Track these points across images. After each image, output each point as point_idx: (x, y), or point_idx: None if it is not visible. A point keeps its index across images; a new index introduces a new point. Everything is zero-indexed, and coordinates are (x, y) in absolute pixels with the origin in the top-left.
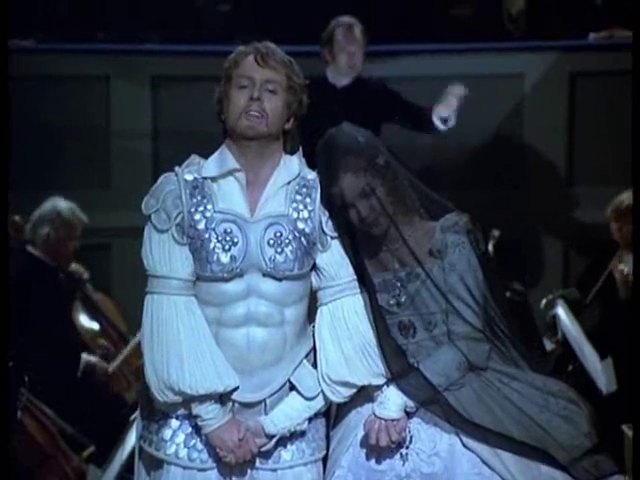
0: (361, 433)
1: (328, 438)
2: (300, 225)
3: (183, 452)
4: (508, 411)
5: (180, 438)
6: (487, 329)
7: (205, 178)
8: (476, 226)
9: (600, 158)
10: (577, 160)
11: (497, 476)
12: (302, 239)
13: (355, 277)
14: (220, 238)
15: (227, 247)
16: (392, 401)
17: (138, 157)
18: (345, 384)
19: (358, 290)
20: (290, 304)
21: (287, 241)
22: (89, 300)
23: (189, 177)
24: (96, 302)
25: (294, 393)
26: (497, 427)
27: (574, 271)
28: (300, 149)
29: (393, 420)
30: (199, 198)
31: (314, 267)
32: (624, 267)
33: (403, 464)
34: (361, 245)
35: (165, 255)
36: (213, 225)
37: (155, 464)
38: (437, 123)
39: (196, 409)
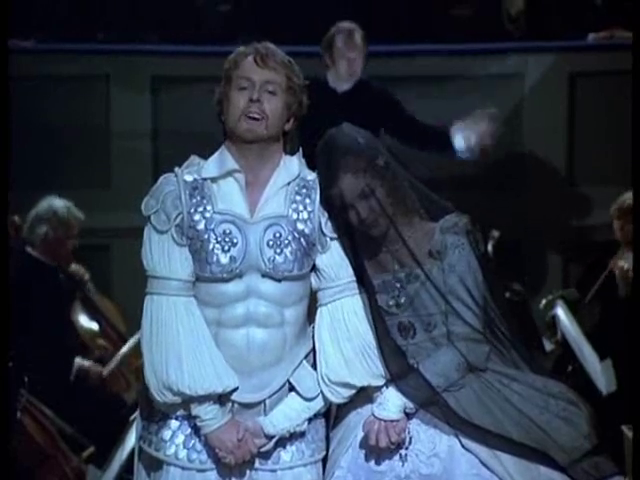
0: (361, 434)
1: (328, 439)
2: (300, 226)
3: (182, 453)
4: (508, 412)
5: (179, 439)
6: (487, 330)
7: (205, 179)
8: (476, 227)
9: (600, 158)
10: (577, 160)
11: (496, 477)
12: (301, 240)
13: (354, 278)
14: (219, 239)
15: (226, 248)
16: (392, 402)
17: (138, 157)
18: (345, 385)
19: (357, 291)
20: (290, 305)
21: (286, 242)
22: (89, 300)
23: (189, 178)
24: (96, 302)
25: (293, 394)
26: (497, 428)
27: (574, 271)
28: (300, 150)
29: (392, 421)
30: (198, 199)
31: (314, 268)
32: (624, 263)
33: (402, 465)
34: (360, 246)
35: (165, 256)
36: (212, 226)
37: (154, 464)
38: (458, 141)
39: (195, 410)
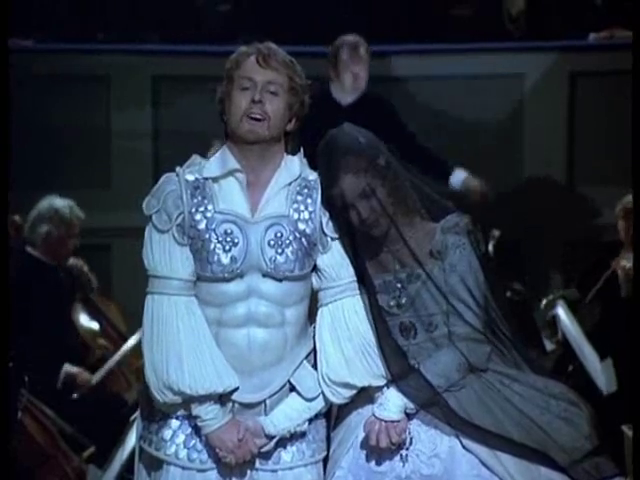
0: (361, 434)
1: (328, 439)
2: (301, 226)
3: (183, 452)
4: (508, 413)
5: (180, 438)
6: (488, 330)
7: (206, 178)
8: (477, 227)
9: (600, 158)
10: (577, 160)
11: (497, 478)
12: (303, 240)
13: (355, 278)
14: (221, 239)
15: (227, 248)
16: (392, 402)
17: (138, 157)
18: (345, 385)
19: (358, 291)
20: (291, 305)
21: (288, 242)
22: (89, 300)
23: (190, 177)
24: (96, 302)
25: (294, 394)
26: (497, 429)
27: (574, 271)
28: (301, 150)
29: (393, 421)
30: (200, 198)
31: (314, 268)
32: (627, 263)
33: (403, 465)
34: (361, 246)
35: (166, 255)
36: (214, 225)
37: (155, 464)
38: (455, 184)
39: (196, 409)
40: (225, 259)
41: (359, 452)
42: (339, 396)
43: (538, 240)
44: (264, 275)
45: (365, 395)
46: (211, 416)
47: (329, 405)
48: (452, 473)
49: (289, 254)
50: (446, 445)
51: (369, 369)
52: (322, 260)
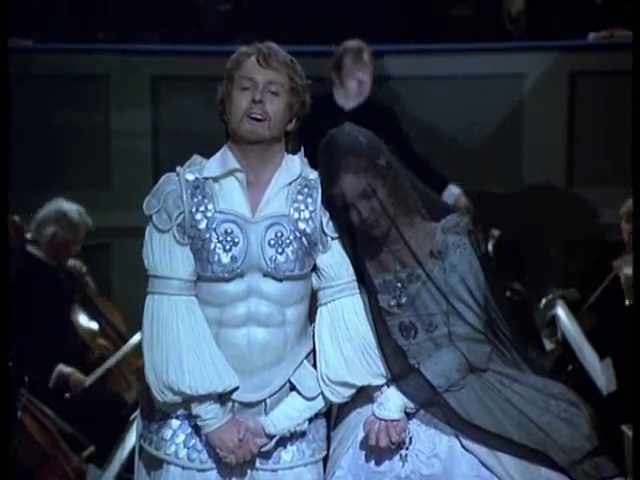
0: (361, 434)
1: (328, 439)
2: (301, 225)
3: (183, 452)
4: (508, 413)
5: (180, 438)
6: (488, 330)
7: (206, 178)
8: (477, 227)
9: (600, 158)
10: (577, 160)
11: (496, 478)
12: (303, 239)
13: (355, 277)
14: (221, 238)
15: (228, 247)
16: (392, 402)
17: (138, 157)
18: (344, 384)
19: (358, 290)
20: (291, 304)
21: (288, 241)
22: (89, 300)
23: (190, 177)
24: (96, 302)
25: (294, 393)
26: (497, 429)
27: (574, 271)
28: (302, 149)
29: (393, 421)
30: (200, 198)
31: (314, 267)
32: (629, 270)
33: (402, 465)
34: (362, 246)
35: (166, 255)
36: (214, 225)
37: (155, 464)
38: (449, 192)
39: (196, 409)
40: (225, 259)
41: (359, 452)
42: (338, 395)
43: (538, 240)
44: (264, 275)
45: (365, 395)
46: (211, 415)
47: (329, 405)
48: (451, 473)
49: (289, 254)
50: (445, 445)
51: (368, 368)
52: (322, 259)
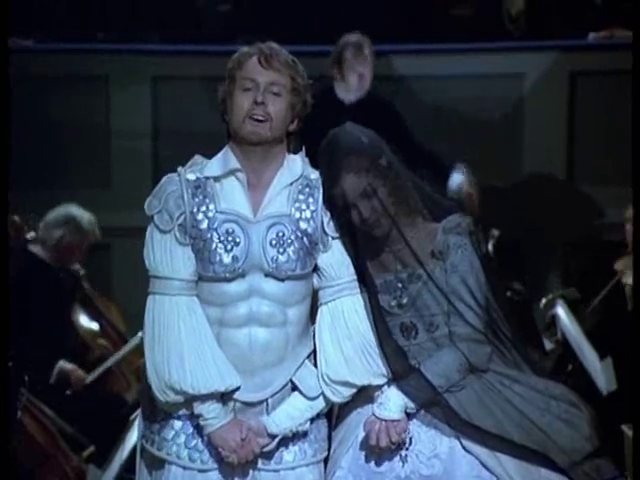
0: (362, 434)
1: (330, 439)
2: (302, 225)
3: (184, 452)
4: (509, 414)
5: (181, 438)
6: (489, 331)
7: (207, 178)
8: (478, 227)
9: (600, 158)
10: (577, 160)
11: (496, 479)
12: (304, 239)
13: (355, 277)
14: (222, 238)
15: (229, 247)
16: (393, 402)
17: (138, 157)
18: (345, 384)
19: (358, 290)
20: (292, 304)
21: (289, 241)
22: (89, 300)
23: (191, 177)
24: (96, 302)
25: (296, 393)
26: (497, 430)
27: (574, 271)
28: (303, 149)
29: (393, 421)
30: (201, 198)
31: (315, 267)
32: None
33: (403, 466)
34: (363, 246)
35: (167, 256)
36: (215, 225)
37: (157, 464)
38: (452, 187)
39: (198, 408)
40: (227, 259)
41: (359, 452)
42: (339, 395)
43: (538, 240)
44: (266, 275)
45: (365, 394)
46: (213, 415)
47: (330, 404)
48: (452, 474)
49: (291, 253)
50: (446, 446)
51: (369, 368)
52: (322, 259)
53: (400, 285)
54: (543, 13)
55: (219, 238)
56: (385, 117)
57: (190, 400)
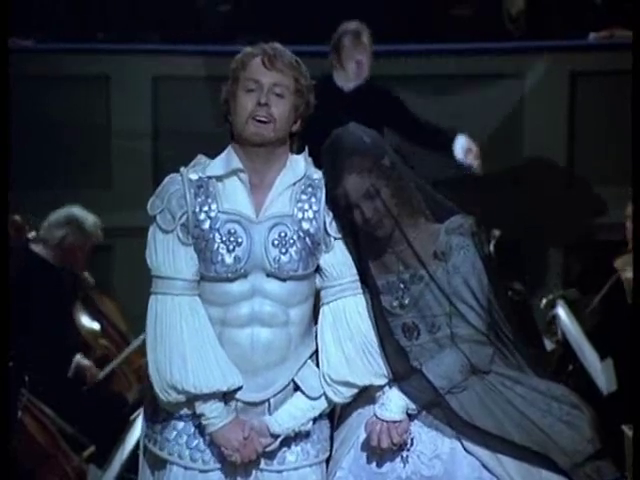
0: (363, 435)
1: (332, 439)
2: (305, 225)
3: (186, 452)
4: (510, 415)
5: (183, 438)
6: (491, 332)
7: (210, 177)
8: (481, 228)
9: (600, 158)
10: (577, 160)
11: None
12: (307, 239)
13: (357, 277)
14: (224, 239)
15: (231, 247)
16: (394, 402)
17: (138, 157)
18: (346, 384)
19: (360, 290)
20: (295, 304)
21: (292, 241)
22: (90, 300)
23: (194, 176)
24: (97, 302)
25: (298, 393)
26: (499, 431)
27: (574, 271)
28: (306, 149)
29: (395, 422)
30: (203, 198)
31: (317, 267)
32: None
33: (404, 466)
34: (365, 246)
35: (170, 256)
36: (217, 225)
37: (159, 463)
38: (458, 151)
39: (200, 408)
40: (229, 259)
41: (360, 453)
42: (340, 395)
43: (538, 240)
44: (268, 275)
45: (367, 395)
46: (215, 414)
47: (333, 405)
48: (453, 475)
49: (293, 254)
50: (447, 447)
51: (370, 368)
52: (324, 259)
53: (402, 286)
54: (543, 13)
55: (221, 238)
56: (385, 103)
57: (192, 400)
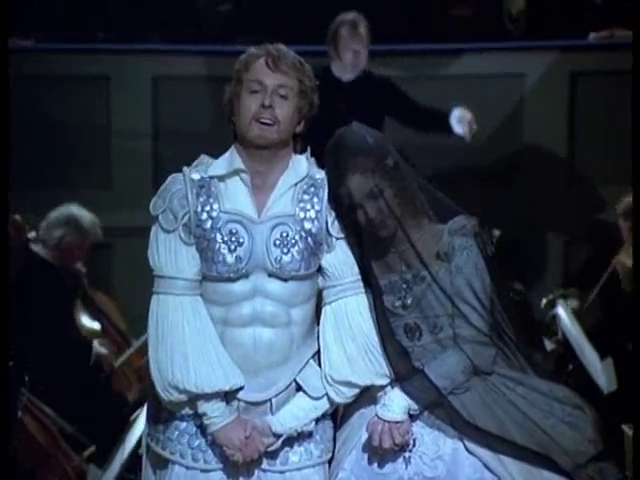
0: (365, 436)
1: (334, 440)
2: (307, 225)
3: (188, 452)
4: (512, 416)
5: (185, 438)
6: (493, 333)
7: (212, 177)
8: (484, 229)
9: (600, 158)
10: (577, 160)
11: None
12: (308, 239)
13: (359, 277)
14: (226, 238)
15: (233, 247)
16: (396, 403)
17: (139, 157)
18: (348, 384)
19: (362, 290)
20: (297, 304)
21: (293, 241)
22: (90, 300)
23: (196, 176)
24: (97, 302)
25: (301, 393)
26: (501, 432)
27: (574, 271)
28: (309, 149)
29: (397, 422)
30: (205, 197)
31: (319, 267)
32: (627, 260)
33: (406, 467)
34: (368, 246)
35: (172, 255)
36: (219, 225)
37: (161, 463)
38: (454, 123)
39: (202, 407)
40: (230, 259)
41: (362, 453)
42: (342, 395)
43: (538, 239)
44: (270, 275)
45: (369, 395)
46: (217, 414)
47: (335, 405)
48: (455, 475)
49: (295, 254)
50: (449, 447)
51: (372, 368)
52: (326, 259)
53: (405, 286)
54: (543, 13)
55: (223, 238)
56: (384, 92)
57: (194, 399)
